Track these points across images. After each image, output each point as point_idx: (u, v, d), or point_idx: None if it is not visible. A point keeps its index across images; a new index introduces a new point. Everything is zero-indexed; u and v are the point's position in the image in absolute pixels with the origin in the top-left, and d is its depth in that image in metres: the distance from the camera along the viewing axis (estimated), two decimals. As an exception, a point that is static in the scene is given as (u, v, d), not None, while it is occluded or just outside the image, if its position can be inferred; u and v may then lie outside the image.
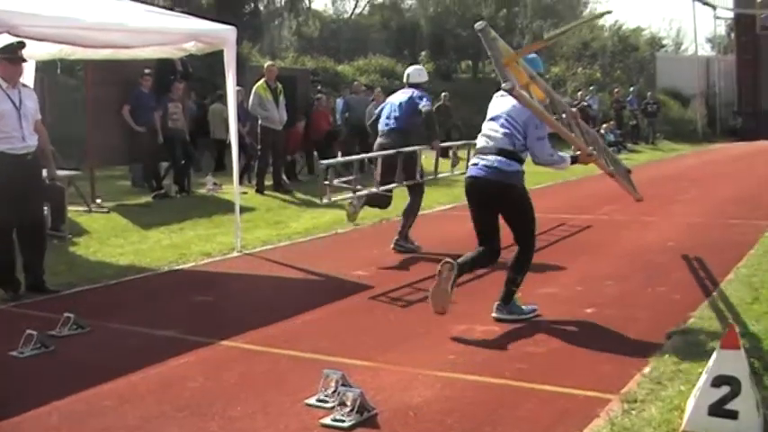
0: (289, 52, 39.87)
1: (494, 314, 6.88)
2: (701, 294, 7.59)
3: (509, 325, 6.72)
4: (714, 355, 4.13)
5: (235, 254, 10.45)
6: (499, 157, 6.68)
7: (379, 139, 10.45)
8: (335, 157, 20.47)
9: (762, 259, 9.07)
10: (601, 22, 48.14)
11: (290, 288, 8.68)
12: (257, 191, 16.37)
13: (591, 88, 34.38)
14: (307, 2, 51.76)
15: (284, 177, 17.44)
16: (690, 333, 6.29)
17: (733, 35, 45.32)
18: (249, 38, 32.88)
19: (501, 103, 6.91)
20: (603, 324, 6.74)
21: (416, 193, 10.77)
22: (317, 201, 12.53)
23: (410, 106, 10.34)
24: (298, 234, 12.00)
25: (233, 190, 11.34)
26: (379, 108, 11.10)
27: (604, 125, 30.18)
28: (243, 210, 12.24)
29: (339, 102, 22.37)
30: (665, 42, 55.75)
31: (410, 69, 11.02)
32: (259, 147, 16.70)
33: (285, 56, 37.55)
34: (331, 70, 34.81)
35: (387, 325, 6.92)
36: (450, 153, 12.95)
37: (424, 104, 10.29)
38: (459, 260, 6.57)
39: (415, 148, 10.48)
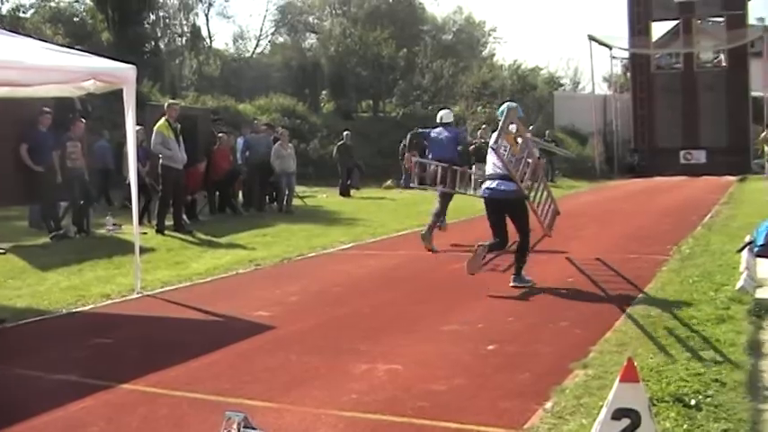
0: (190, 91, 39.61)
1: (511, 284, 10.02)
2: (601, 329, 7.72)
3: (411, 363, 6.74)
4: (614, 389, 4.19)
5: (135, 295, 10.25)
6: (499, 181, 9.83)
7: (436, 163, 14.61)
8: (236, 195, 20.45)
9: (659, 293, 9.30)
10: (500, 61, 49.17)
11: (191, 329, 8.54)
12: (157, 231, 16.10)
13: (484, 126, 34.95)
14: (208, 41, 51.60)
15: (185, 217, 17.20)
16: (590, 367, 6.39)
17: (629, 74, 46.69)
18: (150, 76, 32.54)
19: None
20: (505, 360, 6.80)
21: (447, 200, 14.68)
22: (219, 241, 12.39)
23: (453, 139, 14.77)
24: (198, 275, 11.83)
25: (132, 230, 11.12)
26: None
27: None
28: (143, 250, 12.06)
29: (240, 141, 22.24)
30: (562, 81, 57.23)
31: (443, 112, 15.17)
32: (160, 186, 16.46)
33: (186, 95, 37.29)
34: (232, 109, 34.69)
35: (289, 365, 6.85)
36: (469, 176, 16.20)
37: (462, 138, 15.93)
38: (486, 243, 9.95)
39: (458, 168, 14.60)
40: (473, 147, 20.52)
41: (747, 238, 12.05)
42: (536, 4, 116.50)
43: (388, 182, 30.33)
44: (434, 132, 14.85)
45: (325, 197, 26.08)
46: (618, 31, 76.00)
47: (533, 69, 52.18)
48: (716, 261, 11.27)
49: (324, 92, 44.54)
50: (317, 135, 34.92)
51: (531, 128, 35.64)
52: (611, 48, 44.14)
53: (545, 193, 10.89)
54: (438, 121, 14.94)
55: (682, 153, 40.46)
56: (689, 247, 12.93)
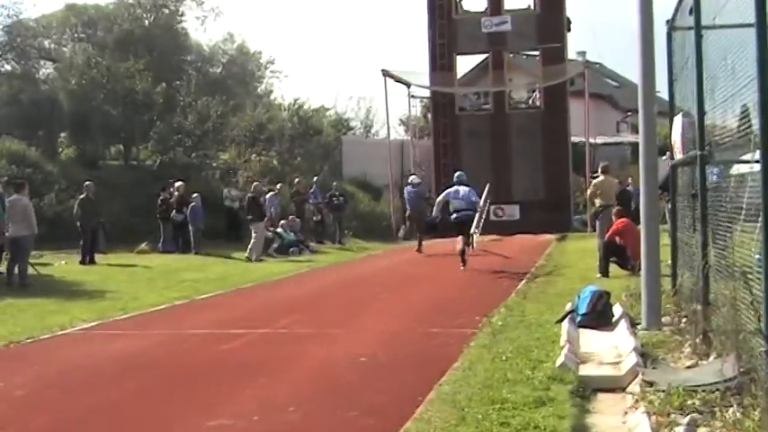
0: None
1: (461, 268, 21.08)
2: (398, 418, 7.77)
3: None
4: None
5: None
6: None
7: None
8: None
9: (467, 373, 9.48)
10: (279, 99, 49.28)
11: None
12: None
13: (315, 179, 35.31)
14: None
15: None
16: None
17: (430, 116, 47.26)
18: None
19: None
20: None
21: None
22: None
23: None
24: None
25: None
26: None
27: (282, 221, 30.83)
28: None
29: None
30: (353, 124, 57.76)
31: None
32: None
33: None
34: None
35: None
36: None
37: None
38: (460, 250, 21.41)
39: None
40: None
41: (568, 307, 12.58)
42: (322, 34, 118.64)
43: (143, 245, 29.77)
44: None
45: (64, 264, 25.34)
46: (419, 66, 78.36)
47: (318, 110, 52.45)
48: (532, 334, 11.67)
49: (63, 134, 43.32)
50: (53, 188, 33.84)
51: (315, 179, 35.99)
52: (409, 85, 44.18)
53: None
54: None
55: (492, 208, 40.84)
56: (501, 318, 13.31)
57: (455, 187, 23.53)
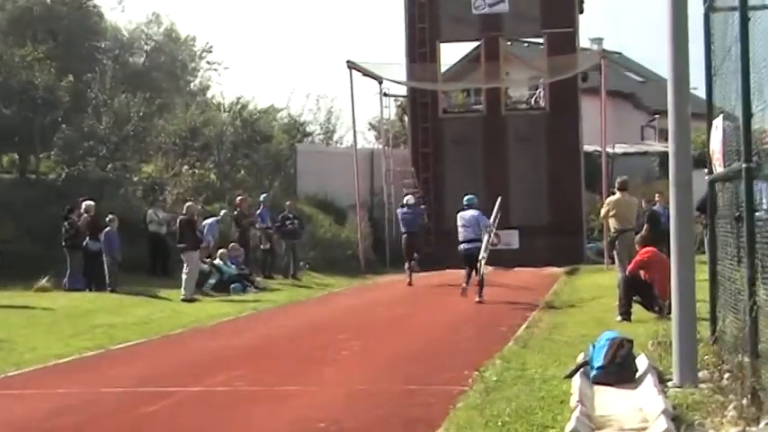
0: None
1: (476, 300, 23.31)
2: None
3: None
4: None
5: None
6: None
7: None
8: None
9: (452, 443, 9.48)
10: (217, 98, 49.07)
11: None
12: None
13: (263, 197, 35.06)
14: None
15: None
16: None
17: (407, 119, 46.99)
18: None
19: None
20: None
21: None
22: None
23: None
24: None
25: None
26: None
27: (222, 250, 30.59)
28: None
29: None
30: (310, 128, 57.37)
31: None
32: None
33: None
34: None
35: None
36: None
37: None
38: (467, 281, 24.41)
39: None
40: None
41: (580, 358, 12.59)
42: (272, 16, 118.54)
43: (43, 281, 29.52)
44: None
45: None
46: (393, 57, 78.26)
47: (267, 111, 52.07)
48: (535, 392, 11.66)
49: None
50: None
51: (262, 197, 35.68)
52: (380, 81, 44.03)
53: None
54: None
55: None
56: (496, 373, 13.31)
57: (461, 212, 25.06)
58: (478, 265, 24.22)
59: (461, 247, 24.66)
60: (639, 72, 65.00)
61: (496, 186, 38.64)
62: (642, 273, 19.04)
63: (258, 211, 34.69)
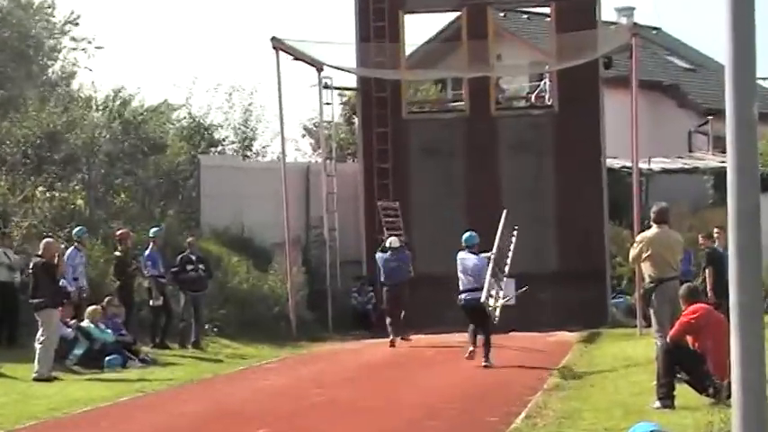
0: None
1: (482, 363, 26.92)
2: None
3: None
4: None
5: None
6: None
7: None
8: None
9: None
10: (87, 89, 48.87)
11: None
12: None
13: (153, 232, 34.66)
14: None
15: None
16: None
17: (356, 122, 46.85)
18: None
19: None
20: None
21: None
22: None
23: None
24: None
25: None
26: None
27: (92, 307, 30.17)
28: None
29: None
30: (219, 135, 56.76)
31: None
32: None
33: None
34: None
35: None
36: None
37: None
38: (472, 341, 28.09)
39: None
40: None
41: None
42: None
43: None
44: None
45: None
46: (337, 35, 78.44)
47: (158, 109, 51.63)
48: None
49: None
50: None
51: (153, 232, 35.30)
52: (320, 68, 43.77)
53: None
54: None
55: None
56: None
57: (461, 255, 26.96)
58: (491, 312, 26.28)
59: (461, 298, 26.63)
60: (686, 56, 65.03)
61: (481, 216, 37.22)
62: (690, 339, 19.08)
63: (146, 253, 34.03)
